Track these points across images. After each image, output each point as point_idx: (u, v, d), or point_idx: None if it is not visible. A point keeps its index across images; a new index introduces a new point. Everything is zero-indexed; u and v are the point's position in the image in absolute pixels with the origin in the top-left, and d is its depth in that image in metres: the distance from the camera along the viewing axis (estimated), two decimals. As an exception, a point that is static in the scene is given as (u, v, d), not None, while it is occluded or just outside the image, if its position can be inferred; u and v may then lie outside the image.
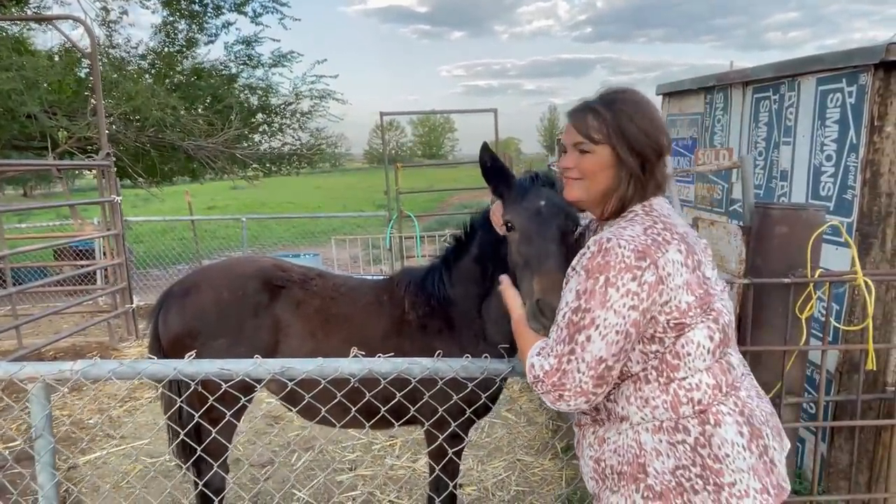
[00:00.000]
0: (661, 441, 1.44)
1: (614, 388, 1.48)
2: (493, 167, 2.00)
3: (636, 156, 1.48)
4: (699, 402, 1.43)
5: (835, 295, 2.82)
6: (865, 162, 2.85)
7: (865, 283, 2.22)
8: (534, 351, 1.50)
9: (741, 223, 2.73)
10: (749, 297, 2.32)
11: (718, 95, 4.37)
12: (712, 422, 1.42)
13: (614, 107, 1.49)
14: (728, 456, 1.41)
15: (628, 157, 1.48)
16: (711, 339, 1.45)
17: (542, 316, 1.67)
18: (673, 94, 5.14)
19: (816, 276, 2.22)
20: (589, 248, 1.42)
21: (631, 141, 1.47)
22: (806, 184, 3.33)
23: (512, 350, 2.48)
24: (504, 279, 1.81)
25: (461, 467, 3.89)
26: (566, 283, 1.46)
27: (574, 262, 1.45)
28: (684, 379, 1.44)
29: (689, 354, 1.43)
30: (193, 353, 1.75)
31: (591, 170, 1.51)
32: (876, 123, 2.80)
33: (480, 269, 2.34)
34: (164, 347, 2.69)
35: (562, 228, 1.84)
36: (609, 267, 1.36)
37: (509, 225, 1.92)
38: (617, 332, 1.36)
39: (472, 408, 2.35)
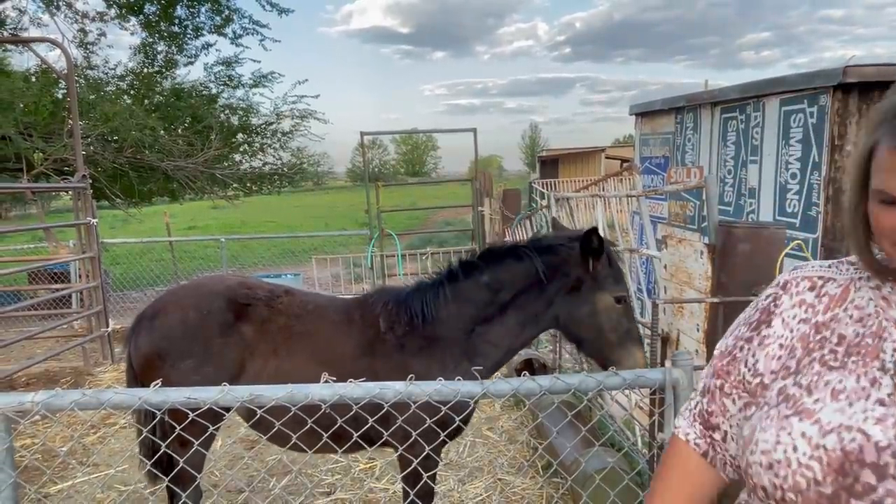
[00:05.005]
0: None
1: None
2: (602, 251, 2.28)
3: None
4: None
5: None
6: (828, 180, 2.93)
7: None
8: None
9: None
10: (719, 314, 2.36)
11: (688, 115, 4.48)
12: None
13: None
14: None
15: None
16: None
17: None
18: (645, 114, 5.25)
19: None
20: None
21: None
22: (773, 201, 3.41)
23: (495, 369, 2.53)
24: None
25: (440, 489, 3.86)
26: None
27: None
28: None
29: None
30: (159, 381, 1.73)
31: None
32: (836, 142, 2.89)
33: (489, 294, 2.42)
34: (135, 371, 2.66)
35: None
36: None
37: (620, 300, 2.28)
38: None
39: (434, 418, 2.33)
